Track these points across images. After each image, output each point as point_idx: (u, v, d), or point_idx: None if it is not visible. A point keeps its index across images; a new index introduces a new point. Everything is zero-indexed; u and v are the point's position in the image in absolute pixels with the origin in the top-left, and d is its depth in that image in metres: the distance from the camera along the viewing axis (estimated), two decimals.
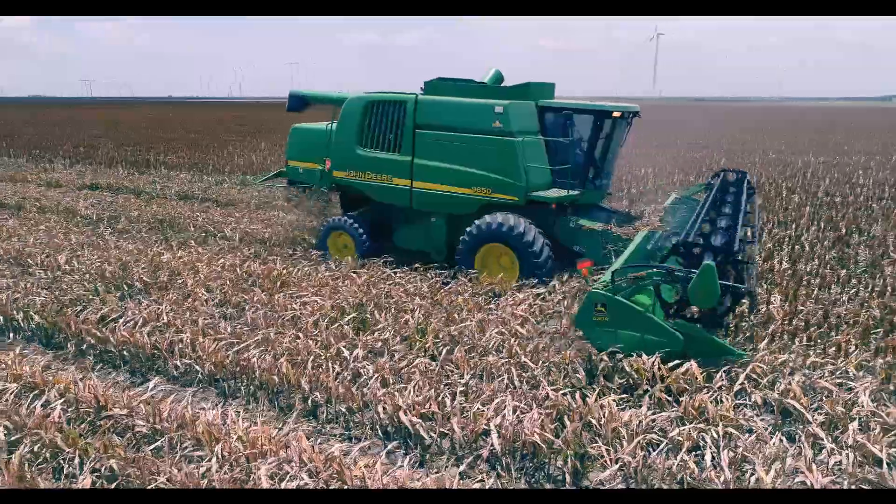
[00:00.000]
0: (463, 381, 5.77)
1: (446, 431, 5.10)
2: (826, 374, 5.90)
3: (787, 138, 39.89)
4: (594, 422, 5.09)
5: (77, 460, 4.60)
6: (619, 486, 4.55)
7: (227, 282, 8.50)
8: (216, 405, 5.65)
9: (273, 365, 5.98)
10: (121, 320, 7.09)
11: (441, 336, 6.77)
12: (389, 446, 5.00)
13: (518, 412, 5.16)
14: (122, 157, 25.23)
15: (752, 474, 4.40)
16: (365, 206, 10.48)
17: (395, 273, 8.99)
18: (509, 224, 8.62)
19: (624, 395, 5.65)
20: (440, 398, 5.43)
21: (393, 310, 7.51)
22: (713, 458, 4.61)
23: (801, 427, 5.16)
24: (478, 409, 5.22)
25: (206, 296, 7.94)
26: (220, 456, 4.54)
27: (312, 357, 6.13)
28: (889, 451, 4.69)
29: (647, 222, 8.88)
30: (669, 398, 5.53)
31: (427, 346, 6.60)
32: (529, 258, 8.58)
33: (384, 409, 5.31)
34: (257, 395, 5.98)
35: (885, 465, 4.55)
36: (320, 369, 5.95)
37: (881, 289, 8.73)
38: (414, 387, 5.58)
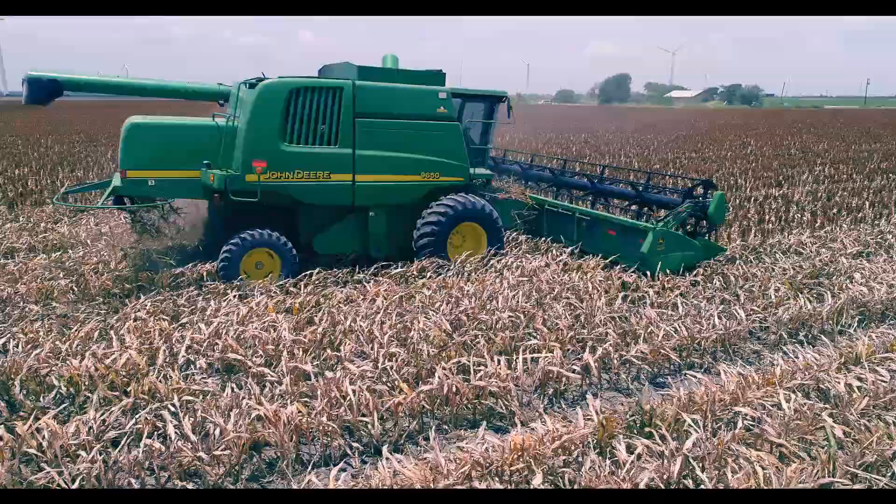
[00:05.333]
0: None
1: None
2: (256, 323, 6.60)
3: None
4: (34, 451, 4.35)
5: None
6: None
7: None
8: None
9: None
10: None
11: None
12: None
13: None
14: None
15: (216, 428, 4.61)
16: (242, 217, 8.57)
17: None
18: (481, 203, 9.38)
19: (63, 406, 5.00)
20: None
21: None
22: (177, 430, 4.61)
23: (244, 373, 5.68)
24: None
25: None
26: None
27: None
28: (314, 364, 5.72)
29: (520, 190, 11.03)
30: (116, 393, 5.20)
31: None
32: (497, 231, 9.59)
33: None
34: None
35: (313, 377, 5.52)
36: None
37: None
38: None
